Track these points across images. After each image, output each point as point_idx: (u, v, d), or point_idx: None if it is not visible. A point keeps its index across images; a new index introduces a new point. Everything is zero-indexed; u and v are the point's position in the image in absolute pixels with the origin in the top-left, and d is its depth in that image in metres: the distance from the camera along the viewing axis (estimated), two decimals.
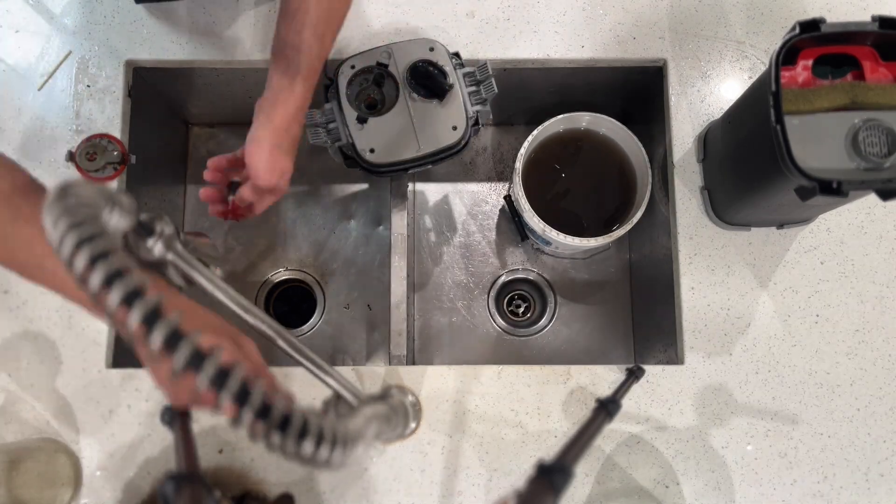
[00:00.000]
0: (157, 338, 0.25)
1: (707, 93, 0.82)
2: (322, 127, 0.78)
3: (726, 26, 0.84)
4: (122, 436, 0.74)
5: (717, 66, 0.83)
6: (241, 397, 0.28)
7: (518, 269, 1.04)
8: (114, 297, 0.25)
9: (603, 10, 0.85)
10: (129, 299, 0.25)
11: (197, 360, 0.26)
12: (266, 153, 0.63)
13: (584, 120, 0.87)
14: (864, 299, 0.76)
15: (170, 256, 0.50)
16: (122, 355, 0.78)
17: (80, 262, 0.26)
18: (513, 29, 0.84)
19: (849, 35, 0.61)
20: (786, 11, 0.84)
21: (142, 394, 0.75)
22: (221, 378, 0.27)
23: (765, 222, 0.77)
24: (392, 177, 0.92)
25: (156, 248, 0.50)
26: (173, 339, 0.25)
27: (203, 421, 0.74)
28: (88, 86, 0.82)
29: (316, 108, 0.77)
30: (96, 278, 0.26)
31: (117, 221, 0.38)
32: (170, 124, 1.00)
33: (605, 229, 0.83)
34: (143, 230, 0.48)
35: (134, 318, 0.25)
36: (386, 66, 0.77)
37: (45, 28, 0.84)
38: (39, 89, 0.82)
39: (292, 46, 0.59)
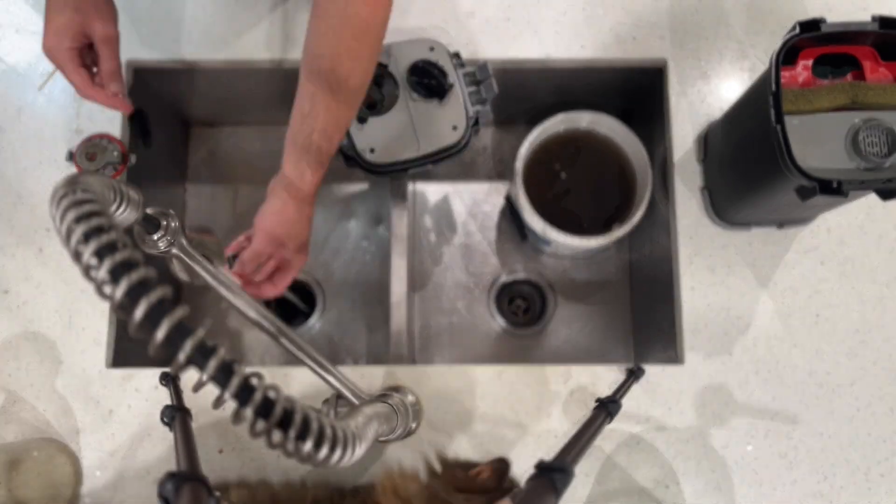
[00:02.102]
0: (161, 332, 0.25)
1: (707, 93, 0.82)
2: None
3: (726, 26, 0.84)
4: (122, 436, 0.74)
5: (718, 66, 0.83)
6: (243, 395, 0.28)
7: (518, 269, 1.04)
8: (120, 289, 0.25)
9: (603, 10, 0.85)
10: (135, 293, 0.25)
11: (200, 356, 0.26)
12: (289, 221, 0.67)
13: (584, 120, 0.87)
14: (864, 299, 0.76)
15: (174, 251, 0.50)
16: (122, 355, 0.78)
17: (88, 253, 0.26)
18: (513, 29, 0.84)
19: (849, 35, 0.61)
20: (786, 11, 0.84)
21: (142, 394, 0.75)
22: (224, 375, 0.27)
23: (765, 222, 0.77)
24: (392, 177, 0.92)
25: (161, 242, 0.50)
26: (176, 334, 0.25)
27: (203, 421, 0.74)
28: None
29: None
30: (103, 270, 0.26)
31: (124, 214, 0.38)
32: (170, 124, 1.00)
33: (605, 229, 0.83)
34: (149, 224, 0.48)
35: (139, 312, 0.25)
36: (386, 65, 0.77)
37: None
38: (40, 89, 0.82)
39: (303, 147, 0.64)
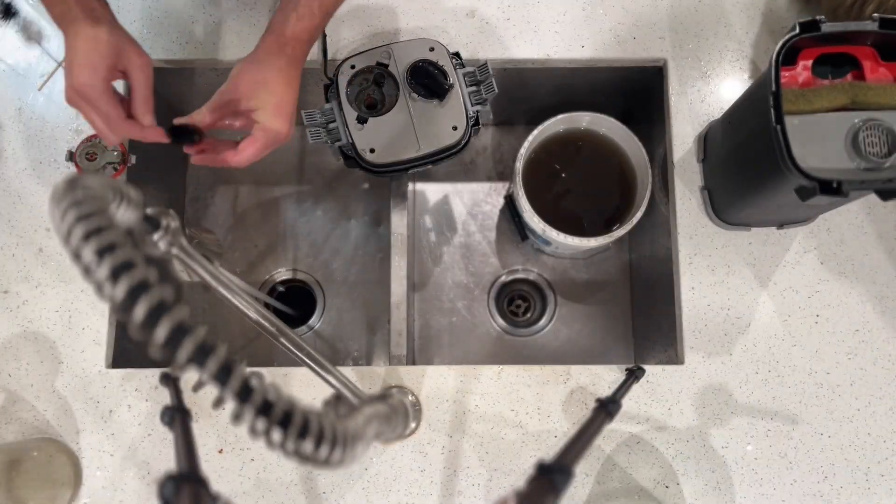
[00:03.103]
0: (162, 332, 0.25)
1: (707, 93, 0.82)
2: (322, 127, 0.77)
3: (726, 26, 0.84)
4: (122, 436, 0.74)
5: (717, 66, 0.83)
6: (243, 394, 0.28)
7: (518, 269, 1.04)
8: (120, 289, 0.25)
9: (603, 10, 0.85)
10: (135, 293, 0.25)
11: (201, 355, 0.26)
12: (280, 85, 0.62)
13: (584, 120, 0.87)
14: (864, 299, 0.77)
15: (174, 251, 0.50)
16: (122, 355, 0.78)
17: (88, 254, 0.26)
18: (513, 29, 0.84)
19: (849, 35, 0.61)
20: (786, 11, 0.84)
21: (142, 394, 0.75)
22: (224, 374, 0.27)
23: (765, 222, 0.77)
24: (392, 177, 0.92)
25: (161, 242, 0.50)
26: (177, 334, 0.25)
27: (203, 421, 0.74)
28: None
29: (316, 108, 0.77)
30: (103, 271, 0.26)
31: (124, 214, 0.38)
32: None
33: (605, 229, 0.83)
34: (150, 224, 0.48)
35: (139, 312, 0.25)
36: (386, 66, 0.77)
37: (45, 28, 0.84)
38: (39, 89, 0.82)
39: None
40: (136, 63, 0.62)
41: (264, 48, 0.63)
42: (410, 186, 1.03)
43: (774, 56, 0.60)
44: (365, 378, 0.75)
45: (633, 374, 0.67)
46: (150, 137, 0.63)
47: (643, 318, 0.97)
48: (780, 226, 0.78)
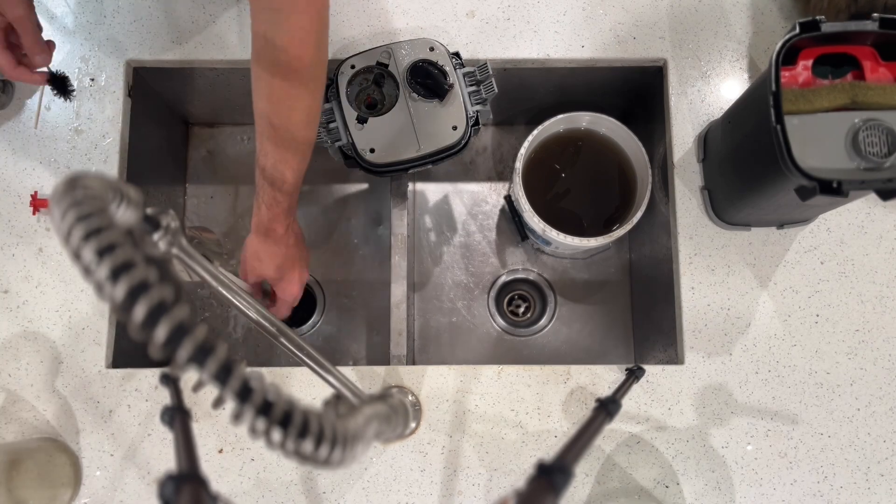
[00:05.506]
0: (162, 332, 0.25)
1: (707, 93, 0.82)
2: (322, 127, 0.78)
3: (726, 26, 0.84)
4: (122, 436, 0.74)
5: (717, 66, 0.83)
6: (243, 394, 0.28)
7: (518, 269, 1.04)
8: (120, 289, 0.25)
9: (603, 10, 0.85)
10: (135, 293, 0.25)
11: (200, 355, 0.26)
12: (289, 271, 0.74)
13: (584, 120, 0.87)
14: (864, 299, 0.77)
15: (175, 251, 0.50)
16: (122, 355, 0.78)
17: (88, 254, 0.26)
18: (513, 29, 0.84)
19: (849, 35, 0.61)
20: (786, 11, 0.84)
21: (142, 394, 0.75)
22: (224, 374, 0.27)
23: (765, 222, 0.77)
24: (392, 177, 0.92)
25: (161, 242, 0.50)
26: (177, 334, 0.25)
27: (203, 421, 0.74)
28: (89, 85, 0.82)
29: None
30: (103, 271, 0.26)
31: (124, 214, 0.38)
32: (170, 124, 1.00)
33: (605, 229, 0.83)
34: (150, 224, 0.48)
35: (139, 312, 0.25)
36: (386, 65, 0.77)
37: (45, 28, 0.84)
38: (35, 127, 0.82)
39: (258, 182, 0.67)
40: (11, 17, 0.66)
41: (254, 241, 0.72)
42: (410, 186, 1.03)
43: (774, 56, 0.60)
44: (365, 378, 0.75)
45: (633, 374, 0.67)
46: (35, 82, 0.72)
47: (643, 318, 0.97)
48: (780, 226, 0.78)
